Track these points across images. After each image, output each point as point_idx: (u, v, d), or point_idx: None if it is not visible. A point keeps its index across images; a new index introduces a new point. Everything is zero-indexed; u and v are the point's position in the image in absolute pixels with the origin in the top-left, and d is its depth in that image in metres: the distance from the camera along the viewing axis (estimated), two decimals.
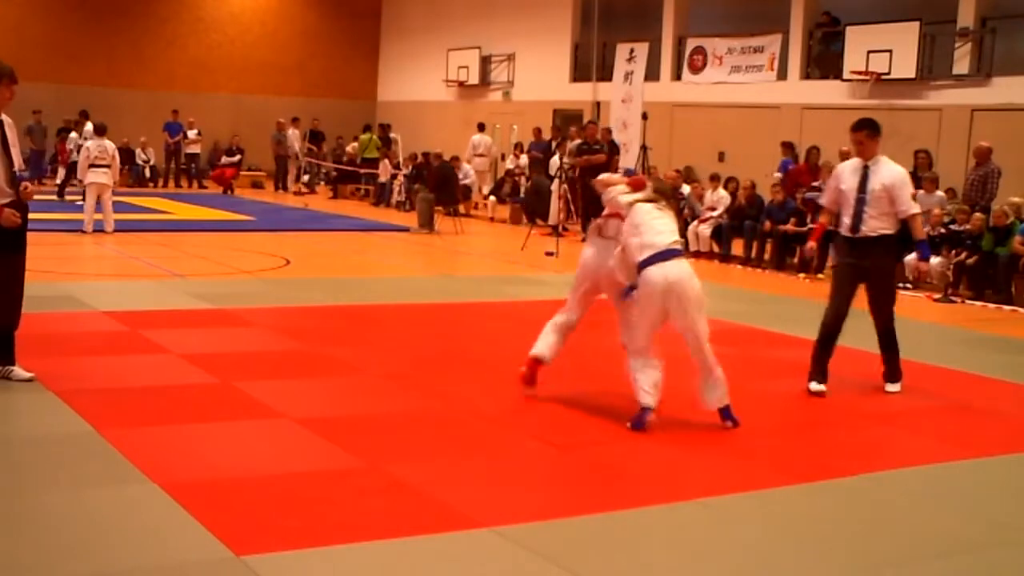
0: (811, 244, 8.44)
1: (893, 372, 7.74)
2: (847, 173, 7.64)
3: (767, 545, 4.69)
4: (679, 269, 6.24)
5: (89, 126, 21.92)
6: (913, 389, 7.76)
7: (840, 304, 7.57)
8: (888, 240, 7.51)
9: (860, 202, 7.45)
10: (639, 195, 6.55)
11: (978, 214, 13.64)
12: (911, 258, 12.67)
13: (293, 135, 26.37)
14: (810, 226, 14.76)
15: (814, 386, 7.50)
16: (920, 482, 5.71)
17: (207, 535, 4.41)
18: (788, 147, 18.50)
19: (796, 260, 15.19)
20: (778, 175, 17.60)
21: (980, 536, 4.97)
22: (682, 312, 6.22)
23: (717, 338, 6.89)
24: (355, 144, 26.27)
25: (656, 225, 6.33)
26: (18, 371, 6.56)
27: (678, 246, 6.36)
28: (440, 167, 19.23)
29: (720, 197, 16.34)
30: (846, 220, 7.54)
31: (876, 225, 7.43)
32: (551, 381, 7.12)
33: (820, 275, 14.54)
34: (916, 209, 7.51)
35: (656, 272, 6.18)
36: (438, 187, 18.73)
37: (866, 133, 7.55)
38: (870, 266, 7.49)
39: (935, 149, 15.61)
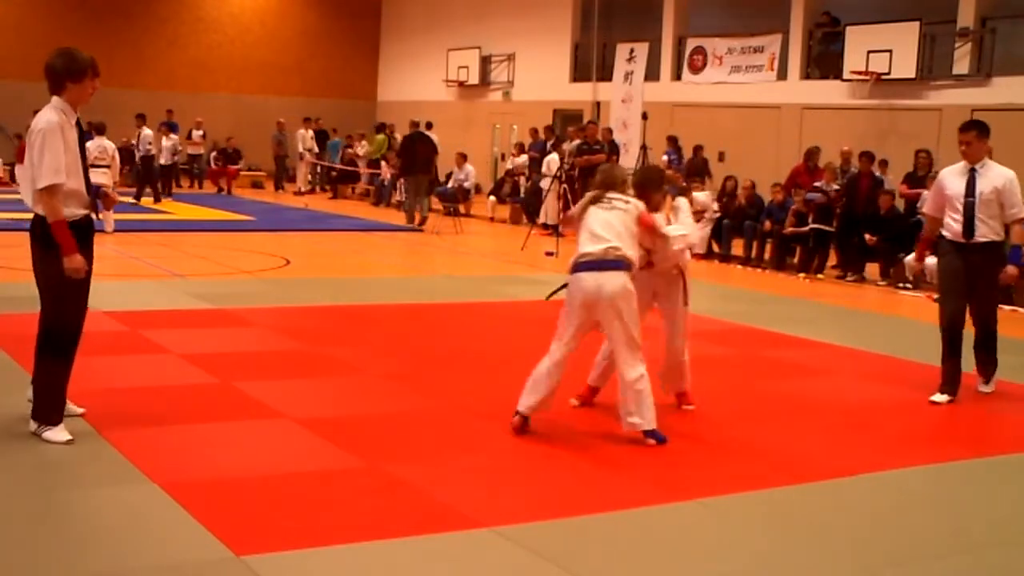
0: (917, 264, 8.25)
1: (987, 374, 7.71)
2: (952, 177, 7.42)
3: (767, 545, 4.69)
4: (613, 282, 5.92)
5: (174, 138, 22.32)
6: (913, 389, 7.76)
7: (954, 312, 7.41)
8: (997, 247, 7.35)
9: (970, 206, 7.25)
10: (586, 199, 6.29)
11: None
12: (931, 261, 12.66)
13: (303, 135, 26.28)
14: (812, 226, 14.82)
15: (936, 396, 7.35)
16: (920, 482, 5.71)
17: (207, 535, 4.42)
18: (672, 141, 19.66)
19: (796, 260, 15.20)
20: (664, 158, 19.10)
21: (980, 536, 4.97)
22: (609, 322, 6.00)
23: (718, 338, 6.90)
24: (363, 142, 26.32)
25: (595, 230, 6.05)
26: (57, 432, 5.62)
27: (614, 254, 5.96)
28: (410, 135, 19.56)
29: (705, 201, 16.16)
30: (955, 226, 7.32)
31: (986, 231, 7.27)
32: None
33: (820, 275, 14.55)
34: None
35: (589, 280, 5.95)
36: (404, 154, 19.08)
37: (975, 134, 7.34)
38: (979, 274, 7.32)
39: (935, 149, 15.61)
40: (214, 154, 26.09)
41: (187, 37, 29.15)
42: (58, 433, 5.58)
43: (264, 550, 4.29)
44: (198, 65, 29.20)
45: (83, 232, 5.63)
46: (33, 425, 5.67)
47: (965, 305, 7.47)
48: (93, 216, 5.79)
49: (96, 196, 5.79)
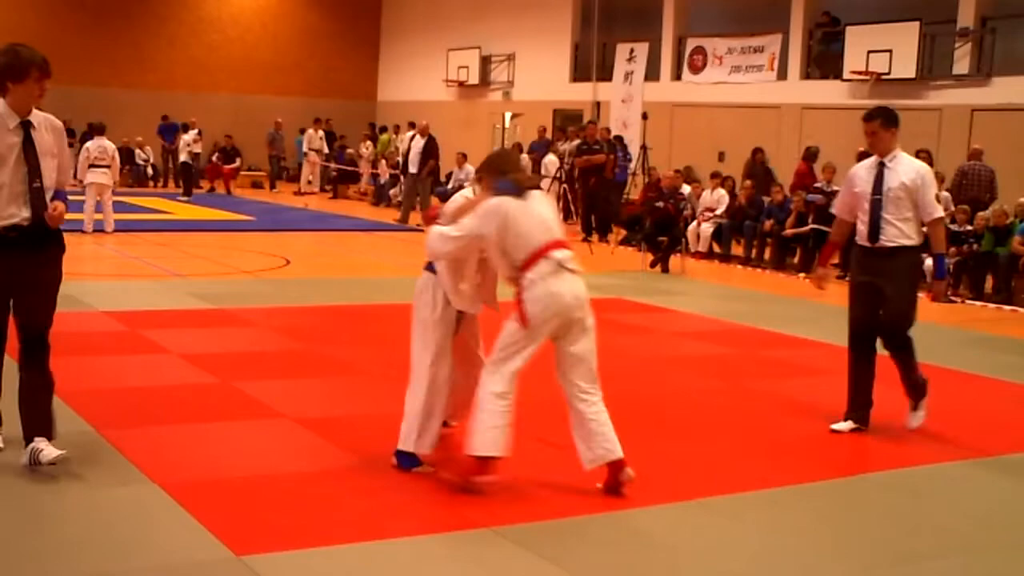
0: (821, 270, 7.19)
1: (915, 397, 6.77)
2: (861, 173, 6.61)
3: (767, 545, 4.69)
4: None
5: (185, 137, 22.53)
6: None
7: (859, 319, 6.69)
8: (910, 254, 6.49)
9: (876, 205, 6.41)
10: None
11: (982, 213, 13.71)
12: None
13: (311, 135, 26.23)
14: (812, 226, 14.81)
15: (835, 424, 6.62)
16: (920, 482, 5.71)
17: (207, 535, 4.42)
18: (618, 140, 19.89)
19: (796, 260, 15.20)
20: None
21: (980, 536, 4.97)
22: None
23: (718, 338, 6.87)
24: (368, 143, 26.33)
25: None
26: (48, 450, 5.15)
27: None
28: (413, 135, 20.41)
29: (720, 196, 16.31)
30: (862, 227, 6.52)
31: (895, 233, 6.39)
32: (551, 381, 7.11)
33: None
34: (941, 213, 6.50)
35: None
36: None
37: (879, 123, 6.47)
38: (887, 286, 6.45)
39: (935, 149, 15.60)
40: (215, 154, 26.09)
41: (187, 37, 29.12)
42: (50, 450, 5.20)
43: (264, 550, 4.29)
44: (198, 65, 29.18)
45: (21, 238, 5.09)
46: None
47: (871, 312, 6.63)
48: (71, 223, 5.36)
49: (44, 208, 5.14)
